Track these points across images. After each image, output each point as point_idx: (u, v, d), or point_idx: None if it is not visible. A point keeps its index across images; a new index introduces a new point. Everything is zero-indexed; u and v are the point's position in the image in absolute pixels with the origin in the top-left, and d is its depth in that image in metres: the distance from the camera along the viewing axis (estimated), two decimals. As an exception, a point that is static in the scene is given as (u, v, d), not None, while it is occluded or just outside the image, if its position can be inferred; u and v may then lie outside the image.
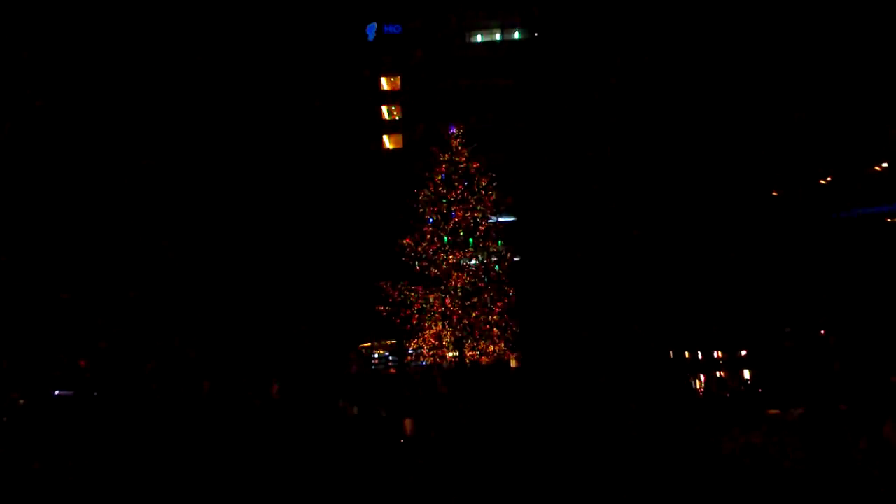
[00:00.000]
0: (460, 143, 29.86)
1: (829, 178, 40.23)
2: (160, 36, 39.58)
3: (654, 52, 48.10)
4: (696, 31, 47.91)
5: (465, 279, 28.39)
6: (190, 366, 29.88)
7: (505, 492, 11.16)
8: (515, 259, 30.43)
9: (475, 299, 28.36)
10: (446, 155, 29.74)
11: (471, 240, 29.04)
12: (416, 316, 28.26)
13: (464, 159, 29.61)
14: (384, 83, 59.96)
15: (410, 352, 31.11)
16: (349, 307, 37.05)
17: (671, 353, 44.36)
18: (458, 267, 28.58)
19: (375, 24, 59.27)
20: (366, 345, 43.17)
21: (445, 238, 28.87)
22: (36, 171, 32.20)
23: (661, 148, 44.82)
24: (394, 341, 39.49)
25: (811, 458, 12.26)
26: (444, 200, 29.12)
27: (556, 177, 47.64)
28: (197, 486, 11.32)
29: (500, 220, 30.34)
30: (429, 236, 28.82)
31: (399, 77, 59.44)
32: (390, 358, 42.03)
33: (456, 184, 29.27)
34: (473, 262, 29.07)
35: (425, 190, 29.44)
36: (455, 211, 28.91)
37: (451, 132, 30.36)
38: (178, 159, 37.28)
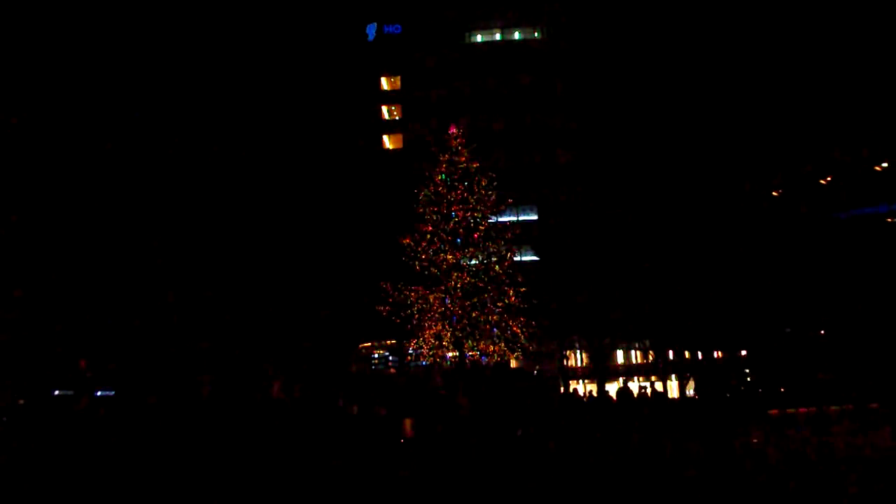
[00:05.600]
0: (460, 144, 29.83)
1: (829, 178, 40.23)
2: (161, 36, 39.56)
3: (660, 56, 48.21)
4: (700, 35, 47.95)
5: (465, 279, 28.34)
6: (191, 364, 29.85)
7: (505, 492, 11.15)
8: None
9: (475, 299, 28.30)
10: (446, 155, 29.71)
11: (471, 239, 28.99)
12: (416, 316, 28.21)
13: (464, 159, 29.56)
14: (384, 83, 60.00)
15: (410, 352, 31.06)
16: (350, 307, 37.01)
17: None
18: (458, 267, 28.54)
19: (375, 24, 59.27)
20: (366, 345, 43.13)
21: (445, 238, 28.83)
22: (39, 172, 32.20)
23: (663, 150, 44.82)
24: (394, 341, 39.45)
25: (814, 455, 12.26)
26: (444, 200, 29.08)
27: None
28: (196, 484, 11.30)
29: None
30: (429, 236, 28.78)
31: (399, 77, 59.48)
32: (390, 358, 41.98)
33: (456, 184, 29.22)
34: (473, 262, 29.01)
35: (425, 190, 29.40)
36: (455, 211, 28.85)
37: (450, 132, 30.31)
38: (178, 160, 37.26)
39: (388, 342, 41.40)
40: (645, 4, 51.31)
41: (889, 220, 38.89)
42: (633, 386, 50.90)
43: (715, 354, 47.56)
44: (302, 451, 13.55)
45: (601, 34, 53.69)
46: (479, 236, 28.98)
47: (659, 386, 46.03)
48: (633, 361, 54.04)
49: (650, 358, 51.26)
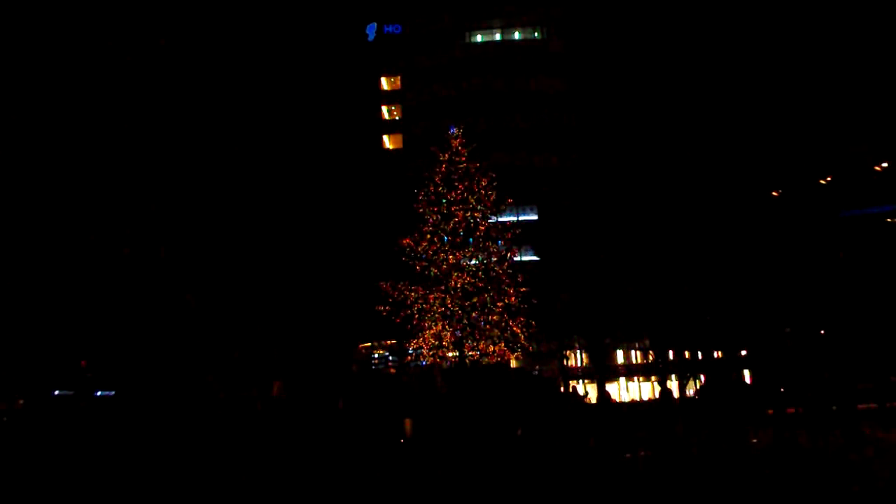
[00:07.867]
0: (460, 144, 29.83)
1: (829, 178, 40.21)
2: (161, 36, 39.57)
3: (661, 56, 48.20)
4: (700, 35, 47.98)
5: (465, 279, 28.35)
6: (194, 365, 29.87)
7: (504, 491, 11.16)
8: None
9: (475, 299, 28.31)
10: (446, 155, 29.70)
11: (471, 240, 29.00)
12: (416, 316, 28.21)
13: (464, 159, 29.56)
14: (384, 83, 60.03)
15: (410, 352, 31.06)
16: (349, 307, 37.01)
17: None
18: (458, 267, 28.54)
19: (375, 24, 59.30)
20: (366, 345, 43.13)
21: (445, 238, 28.83)
22: (40, 174, 32.22)
23: (663, 149, 44.83)
24: (394, 341, 39.43)
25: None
26: (444, 200, 29.07)
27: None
28: (197, 484, 11.31)
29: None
30: (429, 236, 28.78)
31: (399, 77, 59.51)
32: (390, 358, 41.98)
33: (456, 184, 29.22)
34: (473, 262, 29.01)
35: (425, 190, 29.40)
36: (455, 211, 28.87)
37: (450, 132, 30.29)
38: (178, 160, 37.25)
39: (388, 342, 41.37)
40: (646, 4, 51.32)
41: (889, 219, 38.88)
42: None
43: (715, 354, 47.53)
44: (303, 451, 13.56)
45: (601, 34, 53.71)
46: (479, 236, 28.99)
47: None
48: (633, 361, 54.03)
49: (650, 358, 51.21)
